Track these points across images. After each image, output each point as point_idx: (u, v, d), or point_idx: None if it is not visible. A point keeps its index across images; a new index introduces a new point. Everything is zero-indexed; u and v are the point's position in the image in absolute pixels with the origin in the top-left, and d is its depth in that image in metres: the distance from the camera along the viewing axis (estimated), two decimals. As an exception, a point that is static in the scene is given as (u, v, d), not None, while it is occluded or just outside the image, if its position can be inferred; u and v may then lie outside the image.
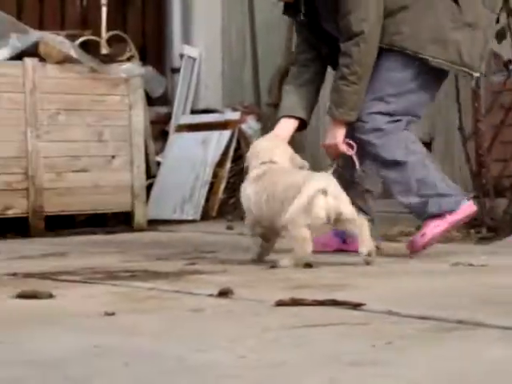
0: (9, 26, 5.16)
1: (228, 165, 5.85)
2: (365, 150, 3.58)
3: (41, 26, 5.89)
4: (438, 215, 3.49)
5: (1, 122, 5.12)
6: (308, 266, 3.23)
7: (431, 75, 3.55)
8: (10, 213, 5.14)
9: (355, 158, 3.52)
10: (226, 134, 5.87)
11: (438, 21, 3.50)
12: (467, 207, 3.53)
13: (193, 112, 6.34)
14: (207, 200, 5.82)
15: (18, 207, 5.15)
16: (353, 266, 3.25)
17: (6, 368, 1.73)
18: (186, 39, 6.39)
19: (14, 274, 3.21)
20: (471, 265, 3.12)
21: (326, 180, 3.22)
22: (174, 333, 2.06)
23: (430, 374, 1.60)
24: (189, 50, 6.33)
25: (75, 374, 1.68)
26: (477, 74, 3.60)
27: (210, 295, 2.58)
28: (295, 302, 2.31)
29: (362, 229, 3.20)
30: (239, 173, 5.91)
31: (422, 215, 3.56)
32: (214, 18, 6.39)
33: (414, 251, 3.52)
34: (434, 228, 3.49)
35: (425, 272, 3.03)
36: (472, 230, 4.23)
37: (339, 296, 2.39)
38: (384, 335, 1.93)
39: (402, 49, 3.50)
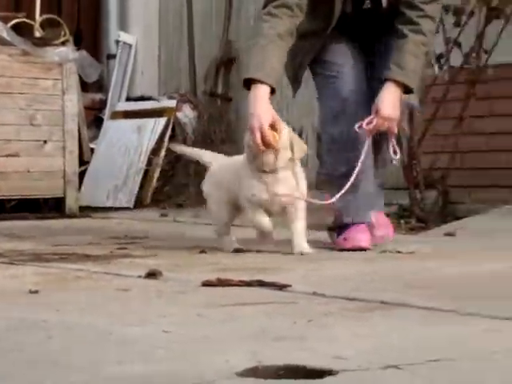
0: None
1: (163, 153, 5.83)
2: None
3: (-27, 8, 5.79)
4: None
5: None
6: (239, 250, 3.26)
7: None
8: None
9: (394, 141, 3.12)
10: (162, 121, 5.86)
11: None
12: None
13: (128, 99, 6.31)
14: (141, 187, 5.80)
15: None
16: (280, 252, 3.28)
17: None
18: (122, 25, 6.35)
19: None
20: (399, 252, 3.17)
21: None
22: (101, 309, 2.05)
23: (349, 347, 1.63)
24: (125, 37, 6.30)
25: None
26: None
27: (139, 276, 2.58)
28: (222, 283, 2.33)
29: None
30: (174, 161, 5.90)
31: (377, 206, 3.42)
32: (151, 4, 6.36)
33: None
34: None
35: (350, 258, 3.07)
36: (402, 221, 4.31)
37: (265, 278, 2.41)
38: (308, 314, 1.96)
39: None
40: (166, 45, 6.34)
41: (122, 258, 3.09)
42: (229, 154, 5.86)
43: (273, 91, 2.98)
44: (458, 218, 4.26)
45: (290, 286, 2.32)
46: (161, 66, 6.37)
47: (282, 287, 2.31)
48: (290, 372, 1.48)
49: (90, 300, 2.19)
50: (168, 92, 6.20)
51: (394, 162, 3.13)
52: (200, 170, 5.89)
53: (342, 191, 3.06)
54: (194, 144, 5.85)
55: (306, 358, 1.52)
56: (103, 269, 2.78)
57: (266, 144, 2.94)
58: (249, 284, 2.33)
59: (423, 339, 1.70)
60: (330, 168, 3.29)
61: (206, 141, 5.84)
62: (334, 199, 3.10)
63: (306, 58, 3.22)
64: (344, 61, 3.21)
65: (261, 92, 2.94)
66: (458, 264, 2.82)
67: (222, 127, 5.87)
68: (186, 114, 5.94)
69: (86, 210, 5.55)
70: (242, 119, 5.97)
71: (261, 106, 2.94)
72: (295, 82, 3.31)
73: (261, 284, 2.33)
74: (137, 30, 6.35)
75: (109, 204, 5.78)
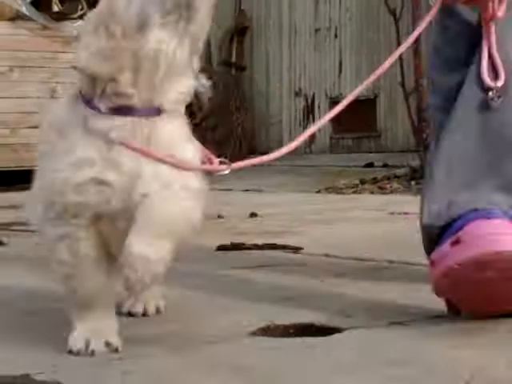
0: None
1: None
2: None
3: (-9, -17, 5.87)
4: None
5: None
6: (254, 215, 3.36)
7: None
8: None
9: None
10: (178, 91, 5.93)
11: None
12: None
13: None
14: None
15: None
16: (295, 215, 3.36)
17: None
18: None
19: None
20: (406, 213, 3.26)
21: None
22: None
23: (356, 306, 1.72)
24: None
25: None
26: None
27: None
28: (235, 247, 2.42)
29: None
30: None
31: None
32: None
33: None
34: None
35: (361, 220, 3.15)
36: (412, 182, 4.38)
37: (279, 242, 2.50)
38: (319, 275, 2.05)
39: None
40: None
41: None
42: (244, 122, 5.98)
43: None
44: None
45: (302, 248, 2.42)
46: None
47: (294, 250, 2.41)
48: (300, 330, 1.55)
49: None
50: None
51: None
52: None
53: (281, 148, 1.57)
54: (211, 113, 5.95)
55: (315, 317, 1.60)
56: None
57: None
58: (261, 247, 2.42)
59: (426, 297, 1.78)
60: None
61: (221, 110, 5.93)
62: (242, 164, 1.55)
63: None
64: None
65: None
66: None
67: (237, 96, 5.95)
68: (202, 84, 6.02)
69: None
70: (256, 87, 6.06)
71: None
72: None
73: (273, 247, 2.42)
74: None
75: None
